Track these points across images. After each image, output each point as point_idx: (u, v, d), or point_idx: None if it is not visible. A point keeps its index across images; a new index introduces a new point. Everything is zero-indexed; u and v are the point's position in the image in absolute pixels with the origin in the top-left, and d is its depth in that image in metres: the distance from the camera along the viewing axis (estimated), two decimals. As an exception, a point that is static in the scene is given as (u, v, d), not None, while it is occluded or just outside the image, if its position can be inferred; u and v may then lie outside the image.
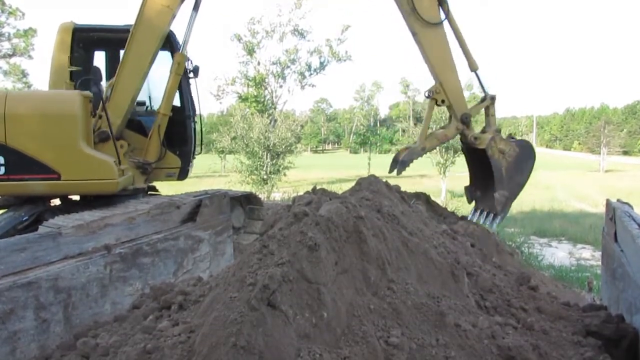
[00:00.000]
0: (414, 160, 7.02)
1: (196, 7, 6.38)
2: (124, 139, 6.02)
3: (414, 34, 6.74)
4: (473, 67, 6.96)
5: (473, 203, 7.70)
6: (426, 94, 6.95)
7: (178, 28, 6.66)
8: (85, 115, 5.25)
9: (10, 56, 26.47)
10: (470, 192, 7.63)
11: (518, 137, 7.50)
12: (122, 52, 7.13)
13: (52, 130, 5.00)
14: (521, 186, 7.16)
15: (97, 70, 6.89)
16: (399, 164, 6.85)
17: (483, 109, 7.22)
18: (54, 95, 5.79)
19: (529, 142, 7.36)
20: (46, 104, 5.21)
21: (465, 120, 6.88)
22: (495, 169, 6.80)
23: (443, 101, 6.84)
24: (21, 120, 4.98)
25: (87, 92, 5.50)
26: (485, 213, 7.15)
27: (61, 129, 5.03)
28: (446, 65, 6.78)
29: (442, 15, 6.66)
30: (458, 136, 7.33)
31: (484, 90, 7.14)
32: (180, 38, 6.43)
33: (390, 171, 6.94)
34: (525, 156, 6.98)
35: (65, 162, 5.02)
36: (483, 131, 7.11)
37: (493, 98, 7.10)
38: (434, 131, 7.37)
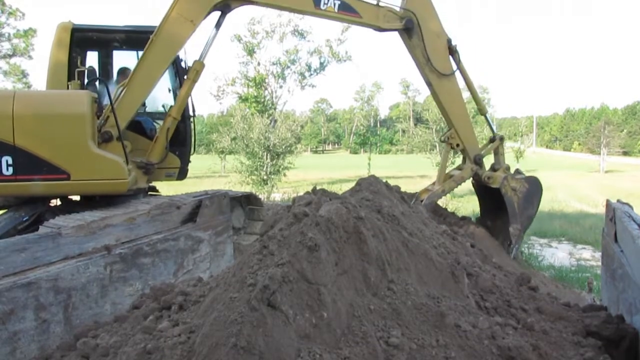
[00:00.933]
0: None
1: (218, 25, 6.52)
2: (127, 139, 6.03)
3: (429, 85, 7.25)
4: (482, 112, 7.75)
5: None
6: (442, 139, 7.69)
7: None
8: (93, 115, 5.26)
9: (10, 56, 26.46)
10: (482, 222, 8.24)
11: (526, 174, 8.08)
12: (114, 52, 7.20)
13: (61, 130, 4.99)
14: (531, 218, 7.85)
15: (93, 70, 6.88)
16: (424, 207, 7.34)
17: (493, 149, 7.90)
18: (62, 95, 5.77)
19: (536, 179, 7.89)
20: (55, 104, 5.19)
21: (479, 162, 7.52)
22: (509, 205, 7.38)
23: (458, 145, 7.50)
24: (29, 120, 4.96)
25: (94, 93, 5.51)
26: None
27: (71, 129, 5.02)
28: (460, 112, 7.39)
29: (454, 65, 7.19)
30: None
31: (492, 132, 7.84)
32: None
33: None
34: (534, 191, 7.62)
35: (75, 162, 5.00)
36: (493, 169, 7.69)
37: (502, 139, 7.81)
38: (452, 173, 7.98)
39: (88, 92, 5.29)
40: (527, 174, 7.99)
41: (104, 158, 5.11)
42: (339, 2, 6.40)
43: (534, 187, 7.64)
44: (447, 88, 7.18)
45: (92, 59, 7.12)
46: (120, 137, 5.51)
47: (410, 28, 6.82)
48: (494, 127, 8.05)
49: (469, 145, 7.50)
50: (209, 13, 6.15)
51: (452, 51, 7.13)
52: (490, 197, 7.75)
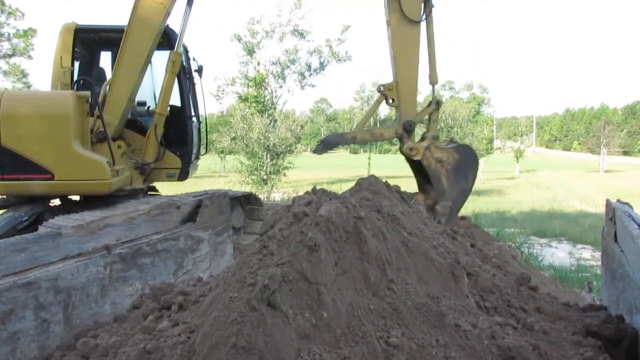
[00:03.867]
0: (339, 146, 6.86)
1: (190, 2, 6.29)
2: (124, 139, 6.02)
3: (388, 24, 6.51)
4: (432, 80, 6.72)
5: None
6: (379, 88, 6.69)
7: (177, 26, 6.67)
8: (80, 115, 5.24)
9: (10, 56, 26.47)
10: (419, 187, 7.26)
11: (527, 173, 7.15)
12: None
13: (45, 130, 5.01)
14: (466, 193, 6.79)
15: (102, 71, 6.89)
16: (322, 142, 6.71)
17: (428, 114, 6.90)
18: (47, 95, 5.80)
19: (469, 147, 7.09)
20: (39, 104, 5.23)
21: (408, 128, 6.58)
22: (433, 179, 6.51)
23: (393, 100, 6.59)
24: (15, 120, 4.99)
25: (84, 93, 5.50)
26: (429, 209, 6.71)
27: (54, 128, 5.03)
28: (409, 65, 6.51)
29: (423, 16, 6.41)
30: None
31: (433, 96, 6.80)
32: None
33: (314, 151, 6.84)
34: (466, 162, 6.62)
35: (58, 162, 5.02)
36: (423, 138, 6.79)
37: (438, 103, 6.85)
38: (373, 127, 7.29)
39: (73, 92, 5.30)
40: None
41: (86, 158, 5.11)
42: None
43: (466, 157, 6.60)
44: (405, 34, 6.36)
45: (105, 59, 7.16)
46: (108, 137, 5.50)
47: None
48: (438, 90, 7.16)
49: (405, 105, 6.56)
50: None
51: (426, 1, 6.37)
52: (421, 171, 6.77)
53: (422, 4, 6.42)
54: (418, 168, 6.85)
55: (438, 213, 6.42)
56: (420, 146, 6.55)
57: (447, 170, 6.49)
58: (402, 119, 6.57)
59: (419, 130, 7.04)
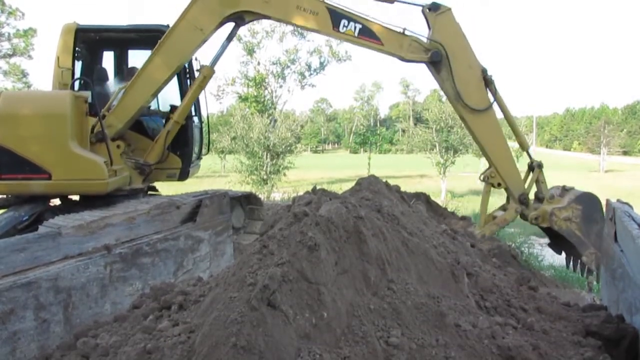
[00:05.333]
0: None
1: (230, 37, 6.38)
2: (124, 139, 6.02)
3: (462, 119, 6.61)
4: (524, 147, 6.91)
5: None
6: (481, 178, 6.82)
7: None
8: (78, 115, 5.24)
9: (10, 56, 26.46)
10: (553, 248, 7.54)
11: (568, 186, 7.11)
12: (130, 52, 7.18)
13: (42, 130, 5.02)
14: (601, 232, 6.90)
15: (103, 70, 6.88)
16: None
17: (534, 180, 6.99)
18: (45, 95, 5.81)
19: (588, 193, 6.93)
20: (37, 104, 5.23)
21: (524, 201, 6.71)
22: (570, 238, 6.59)
23: (499, 184, 6.72)
24: (13, 120, 5.00)
25: (82, 93, 5.48)
26: (578, 263, 6.87)
27: (51, 128, 5.04)
28: (499, 148, 6.60)
29: (490, 98, 6.38)
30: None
31: (530, 159, 6.85)
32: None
33: None
34: (590, 207, 6.66)
35: (56, 162, 5.03)
36: (537, 198, 6.86)
37: (540, 166, 6.90)
38: (495, 214, 7.11)
39: (71, 92, 5.30)
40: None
41: (83, 158, 5.11)
42: (360, 26, 5.90)
43: (588, 203, 6.65)
44: (483, 124, 6.40)
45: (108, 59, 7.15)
46: (106, 137, 5.49)
47: (437, 61, 6.16)
48: (532, 154, 6.97)
49: (512, 183, 6.66)
50: (221, 24, 5.96)
51: (488, 82, 6.31)
52: (553, 232, 6.87)
53: (485, 87, 6.33)
54: (547, 229, 6.97)
55: (587, 263, 6.52)
56: (544, 213, 6.64)
57: (577, 224, 6.58)
58: (515, 195, 6.68)
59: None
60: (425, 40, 6.21)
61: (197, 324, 2.11)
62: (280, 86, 33.66)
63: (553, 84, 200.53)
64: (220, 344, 1.74)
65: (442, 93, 7.02)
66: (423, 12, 6.11)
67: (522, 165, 7.23)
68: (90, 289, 3.58)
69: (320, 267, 2.19)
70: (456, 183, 33.06)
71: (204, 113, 7.31)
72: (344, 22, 5.88)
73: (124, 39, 6.87)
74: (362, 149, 78.86)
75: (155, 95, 6.03)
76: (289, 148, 27.31)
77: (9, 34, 25.76)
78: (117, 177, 5.39)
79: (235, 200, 6.70)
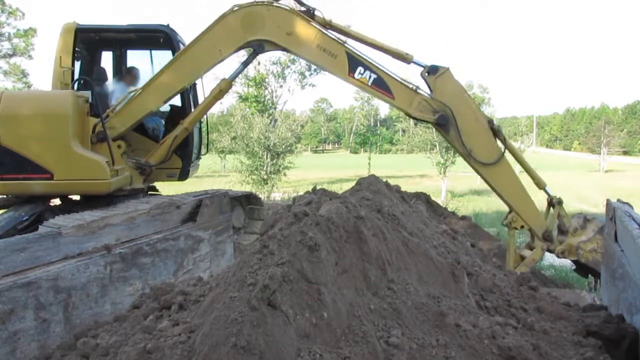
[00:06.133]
0: None
1: (246, 63, 6.52)
2: (125, 139, 6.02)
3: (476, 172, 6.67)
4: (540, 186, 6.88)
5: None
6: (504, 223, 6.84)
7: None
8: (79, 115, 5.24)
9: (10, 56, 26.47)
10: (580, 273, 7.41)
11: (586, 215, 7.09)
12: (129, 52, 7.18)
13: (44, 129, 5.02)
14: None
15: (103, 70, 6.88)
16: None
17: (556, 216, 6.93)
18: (46, 95, 5.80)
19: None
20: (38, 104, 5.23)
21: (548, 238, 6.71)
22: (596, 267, 6.51)
23: (522, 226, 6.76)
24: (15, 120, 5.00)
25: (83, 92, 5.48)
26: None
27: (53, 128, 5.04)
28: (517, 193, 6.65)
29: (500, 145, 6.38)
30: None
31: (549, 196, 6.86)
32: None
33: None
34: None
35: (58, 161, 5.03)
36: (560, 231, 6.88)
37: (560, 202, 6.92)
38: (523, 254, 7.03)
39: (72, 92, 5.31)
40: None
41: (85, 158, 5.11)
42: (375, 76, 5.93)
43: None
44: (497, 174, 6.45)
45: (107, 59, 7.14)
46: (107, 137, 5.49)
47: (443, 124, 6.16)
48: (549, 191, 6.91)
49: (535, 224, 6.71)
50: (241, 48, 6.04)
51: (496, 132, 6.36)
52: (581, 264, 6.86)
53: (494, 138, 6.32)
54: (575, 261, 6.97)
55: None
56: (570, 247, 6.63)
57: (602, 254, 6.64)
58: (539, 234, 6.69)
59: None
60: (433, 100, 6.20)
61: (197, 324, 2.11)
62: (281, 86, 33.65)
63: (553, 84, 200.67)
64: (220, 344, 1.74)
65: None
66: (422, 75, 6.10)
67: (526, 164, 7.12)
68: (91, 289, 3.58)
69: (321, 267, 2.19)
70: (456, 183, 33.07)
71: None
72: (360, 69, 5.91)
73: (124, 39, 6.87)
74: (362, 149, 78.90)
75: (162, 104, 6.04)
76: (289, 148, 27.30)
77: (9, 34, 25.77)
78: (118, 177, 5.39)
79: (235, 200, 6.70)
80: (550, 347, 2.45)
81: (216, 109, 44.97)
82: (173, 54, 6.37)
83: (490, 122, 6.36)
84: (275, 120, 28.70)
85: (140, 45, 7.09)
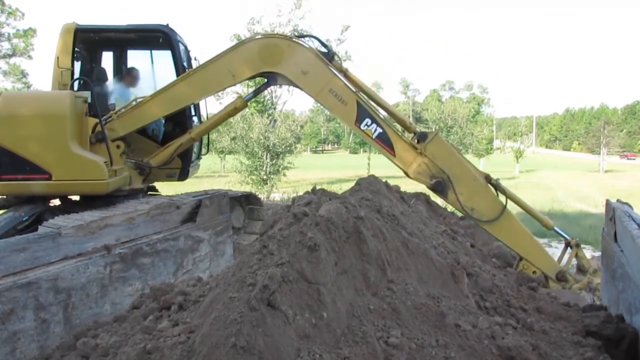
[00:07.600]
0: None
1: (257, 91, 6.59)
2: (124, 140, 6.01)
3: (481, 228, 6.60)
4: (549, 227, 6.84)
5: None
6: (517, 270, 6.53)
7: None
8: (77, 115, 5.24)
9: (10, 56, 26.47)
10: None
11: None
12: (129, 52, 7.18)
13: (42, 130, 5.02)
14: None
15: (102, 70, 6.87)
16: None
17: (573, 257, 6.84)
18: (45, 95, 5.81)
19: None
20: (37, 104, 5.23)
21: (562, 279, 6.58)
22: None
23: (534, 272, 6.62)
24: (13, 121, 5.00)
25: (82, 93, 5.47)
26: None
27: (51, 128, 5.03)
28: (525, 242, 6.55)
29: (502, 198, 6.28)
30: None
31: (568, 240, 6.75)
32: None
33: None
34: None
35: (56, 162, 5.02)
36: (580, 271, 6.74)
37: (578, 245, 6.80)
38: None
39: (71, 93, 5.30)
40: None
41: (83, 158, 5.10)
42: (381, 130, 5.87)
43: None
44: (502, 228, 6.32)
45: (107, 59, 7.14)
46: (105, 138, 5.48)
47: (439, 190, 6.09)
48: (564, 234, 6.81)
49: (547, 268, 6.61)
50: (255, 76, 6.08)
51: (494, 186, 6.28)
52: None
53: (495, 193, 6.23)
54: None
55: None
56: (584, 287, 6.46)
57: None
58: (552, 276, 6.60)
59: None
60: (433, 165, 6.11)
61: (197, 324, 2.11)
62: (280, 86, 33.65)
63: (553, 84, 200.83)
64: (220, 344, 1.74)
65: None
66: (412, 144, 5.99)
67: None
68: (90, 289, 3.58)
69: (320, 267, 2.19)
70: (456, 183, 32.94)
71: (203, 113, 7.30)
72: (367, 120, 5.86)
73: (124, 39, 6.86)
74: (361, 149, 78.82)
75: (168, 115, 6.07)
76: (288, 148, 27.31)
77: (8, 34, 25.76)
78: (117, 177, 5.39)
79: (235, 200, 6.70)
80: (550, 347, 2.45)
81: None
82: (173, 54, 6.36)
83: (487, 177, 6.29)
84: (275, 121, 28.70)
85: (140, 45, 7.08)
